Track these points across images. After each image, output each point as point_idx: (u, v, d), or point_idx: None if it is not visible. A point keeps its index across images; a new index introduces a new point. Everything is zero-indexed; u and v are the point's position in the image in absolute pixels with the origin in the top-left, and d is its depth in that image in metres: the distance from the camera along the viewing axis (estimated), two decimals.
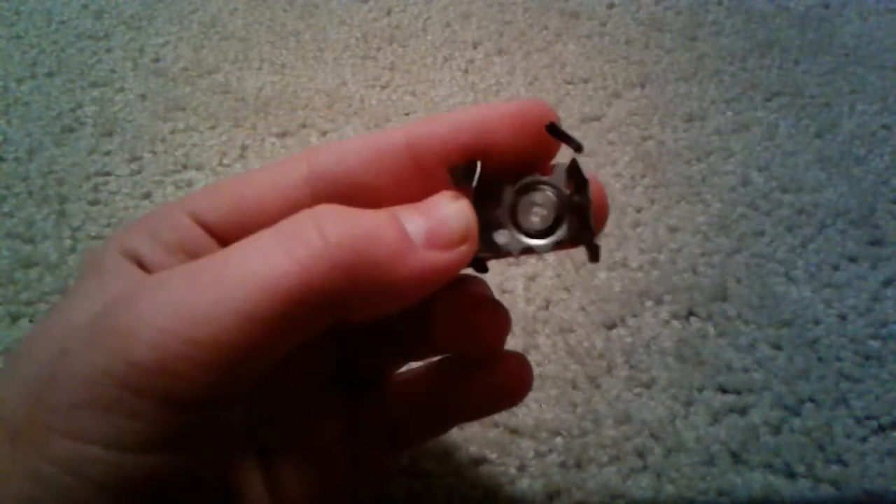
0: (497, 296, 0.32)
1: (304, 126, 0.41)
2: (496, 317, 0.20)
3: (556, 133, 0.18)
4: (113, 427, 0.13)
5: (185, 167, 0.39)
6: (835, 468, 0.27)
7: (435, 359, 0.22)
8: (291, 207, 0.17)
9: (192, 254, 0.17)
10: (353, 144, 0.18)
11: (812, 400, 0.29)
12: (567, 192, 0.18)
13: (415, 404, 0.21)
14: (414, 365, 0.23)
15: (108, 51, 0.46)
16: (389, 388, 0.22)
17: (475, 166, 0.17)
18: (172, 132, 0.41)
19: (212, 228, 0.18)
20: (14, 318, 0.31)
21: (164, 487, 0.14)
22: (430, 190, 0.17)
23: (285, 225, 0.15)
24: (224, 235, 0.18)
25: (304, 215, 0.15)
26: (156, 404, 0.13)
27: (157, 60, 0.46)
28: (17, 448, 0.13)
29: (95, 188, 0.37)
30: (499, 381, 0.21)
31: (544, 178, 0.18)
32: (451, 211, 0.16)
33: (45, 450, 0.13)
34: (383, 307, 0.16)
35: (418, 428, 0.22)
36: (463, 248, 0.16)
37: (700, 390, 0.29)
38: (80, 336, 0.14)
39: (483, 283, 0.22)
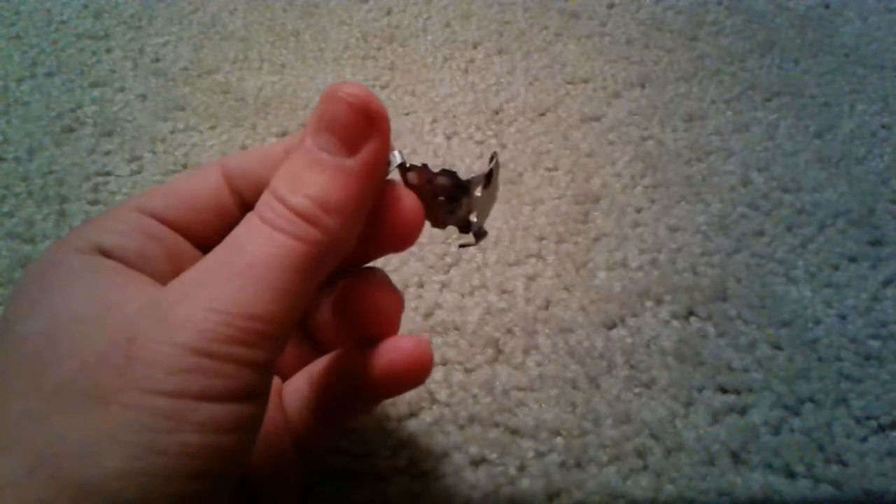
0: (497, 296, 0.32)
1: (304, 126, 0.41)
2: (385, 300, 0.23)
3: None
4: (205, 385, 0.16)
5: (185, 167, 0.39)
6: (835, 468, 0.27)
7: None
8: (217, 195, 0.21)
9: (146, 234, 0.20)
10: (251, 152, 0.22)
11: (812, 400, 0.29)
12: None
13: (333, 387, 0.23)
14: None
15: (108, 51, 0.46)
16: (313, 371, 0.24)
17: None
18: (172, 132, 0.41)
19: (155, 215, 0.20)
20: None
21: (244, 430, 0.17)
22: None
23: (264, 211, 0.18)
24: (167, 221, 0.20)
25: (269, 200, 0.18)
26: (236, 367, 0.16)
27: (157, 60, 0.46)
28: (113, 410, 0.15)
29: (95, 188, 0.37)
30: (398, 362, 0.22)
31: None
32: (339, 110, 0.18)
33: (147, 406, 0.15)
34: (361, 221, 0.20)
35: (343, 407, 0.23)
36: (376, 130, 0.19)
37: (700, 390, 0.29)
38: (147, 326, 0.16)
39: (379, 271, 0.23)
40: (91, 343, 0.16)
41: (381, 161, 0.19)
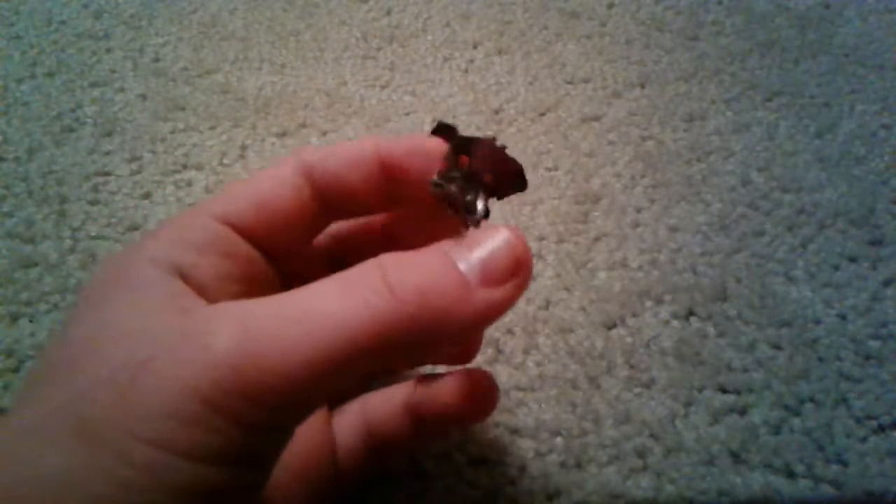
0: None
1: (304, 126, 0.41)
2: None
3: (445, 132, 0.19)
4: (190, 439, 0.14)
5: (185, 167, 0.39)
6: (835, 468, 0.27)
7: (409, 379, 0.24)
8: (298, 199, 0.20)
9: (223, 251, 0.19)
10: (334, 147, 0.20)
11: (812, 400, 0.29)
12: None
13: (391, 418, 0.23)
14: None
15: (108, 51, 0.46)
16: (368, 401, 0.24)
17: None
18: (172, 132, 0.41)
19: (236, 226, 0.19)
20: (14, 318, 0.31)
21: (225, 497, 0.15)
22: (391, 187, 0.20)
23: (355, 273, 0.16)
24: (247, 231, 0.19)
25: (370, 265, 0.16)
26: (229, 423, 0.14)
27: (157, 60, 0.46)
28: (92, 449, 0.14)
29: (95, 188, 0.37)
30: (468, 395, 0.22)
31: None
32: (499, 243, 0.17)
33: (126, 455, 0.14)
34: (439, 350, 0.19)
35: (395, 440, 0.23)
36: (516, 280, 0.17)
37: (700, 390, 0.29)
38: (169, 346, 0.15)
39: None
40: (111, 358, 0.15)
41: (507, 307, 0.17)
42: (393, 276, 0.16)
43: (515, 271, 0.17)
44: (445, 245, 0.17)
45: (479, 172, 0.19)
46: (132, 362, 0.15)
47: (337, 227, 0.23)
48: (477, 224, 0.18)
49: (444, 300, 0.16)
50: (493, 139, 0.19)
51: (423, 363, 0.27)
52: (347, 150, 0.20)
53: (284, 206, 0.20)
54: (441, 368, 0.27)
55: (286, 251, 0.21)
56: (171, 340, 0.15)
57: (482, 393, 0.22)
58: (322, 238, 0.23)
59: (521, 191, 0.19)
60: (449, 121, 0.20)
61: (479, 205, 0.19)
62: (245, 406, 0.14)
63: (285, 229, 0.20)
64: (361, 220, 0.23)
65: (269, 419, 0.15)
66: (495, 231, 0.18)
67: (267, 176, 0.20)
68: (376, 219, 0.23)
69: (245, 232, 0.19)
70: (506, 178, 0.19)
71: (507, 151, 0.19)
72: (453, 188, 0.18)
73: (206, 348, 0.15)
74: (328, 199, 0.20)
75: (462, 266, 0.17)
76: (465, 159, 0.19)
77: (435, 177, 0.19)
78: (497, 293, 0.17)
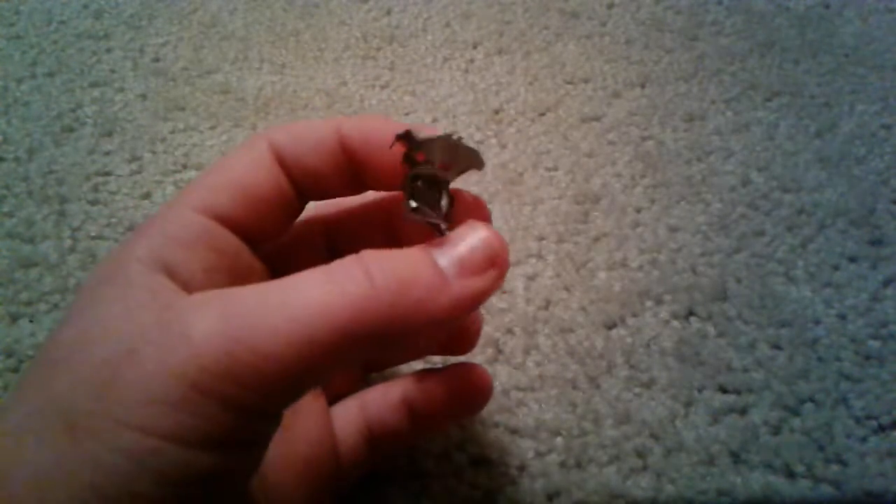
0: (497, 296, 0.32)
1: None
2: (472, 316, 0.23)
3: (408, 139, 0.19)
4: (178, 423, 0.14)
5: (185, 167, 0.39)
6: (835, 468, 0.27)
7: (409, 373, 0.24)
8: (275, 183, 0.20)
9: (208, 245, 0.18)
10: (298, 127, 0.20)
11: (812, 400, 0.29)
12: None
13: (390, 413, 0.23)
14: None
15: (108, 51, 0.46)
16: (367, 396, 0.24)
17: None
18: (172, 132, 0.41)
19: (219, 216, 0.19)
20: (14, 318, 0.31)
21: (212, 483, 0.15)
22: (355, 169, 0.20)
23: (336, 265, 0.17)
24: (230, 221, 0.19)
25: (351, 258, 0.17)
26: (219, 407, 0.15)
27: (157, 60, 0.46)
28: (78, 438, 0.14)
29: (95, 188, 0.37)
30: (463, 389, 0.23)
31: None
32: (476, 240, 0.18)
33: (111, 441, 0.14)
34: (421, 338, 0.19)
35: (395, 435, 0.23)
36: (492, 272, 0.18)
37: (700, 390, 0.29)
38: (150, 338, 0.15)
39: None
40: (96, 355, 0.15)
41: (484, 297, 0.18)
42: (373, 268, 0.16)
43: (491, 264, 0.18)
44: (426, 244, 0.18)
45: (432, 162, 0.20)
46: (114, 356, 0.15)
47: (338, 226, 0.24)
48: (443, 233, 0.19)
49: (422, 290, 0.17)
50: (450, 135, 0.19)
51: (415, 357, 0.27)
52: (311, 133, 0.20)
53: (264, 191, 0.20)
54: (440, 360, 0.27)
55: (268, 237, 0.21)
56: (151, 332, 0.15)
57: (473, 387, 0.23)
58: (323, 237, 0.23)
59: (478, 168, 0.20)
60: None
61: (444, 202, 0.20)
62: (238, 390, 0.15)
63: (266, 215, 0.20)
64: (362, 223, 0.24)
65: (261, 402, 0.15)
66: (473, 230, 0.19)
67: (241, 161, 0.20)
68: (377, 219, 0.23)
69: (228, 222, 0.19)
70: (457, 159, 0.20)
71: (464, 142, 0.20)
72: (423, 215, 0.19)
73: (186, 336, 0.15)
74: (298, 181, 0.20)
75: (441, 261, 0.18)
76: (422, 156, 0.19)
77: (407, 195, 0.19)
78: (472, 282, 0.18)
